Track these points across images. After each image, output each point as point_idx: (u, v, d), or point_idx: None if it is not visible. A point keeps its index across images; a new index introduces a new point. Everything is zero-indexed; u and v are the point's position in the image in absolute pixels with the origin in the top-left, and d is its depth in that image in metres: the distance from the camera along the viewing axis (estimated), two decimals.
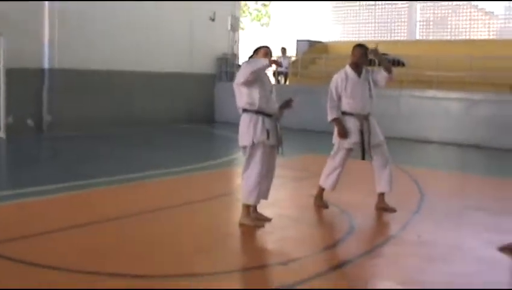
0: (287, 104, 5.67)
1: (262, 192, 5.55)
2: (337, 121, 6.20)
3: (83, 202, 6.57)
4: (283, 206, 6.53)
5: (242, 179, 5.55)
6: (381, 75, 6.29)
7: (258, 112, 5.42)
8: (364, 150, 6.18)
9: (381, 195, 6.36)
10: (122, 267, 4.29)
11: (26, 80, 12.84)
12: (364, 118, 6.20)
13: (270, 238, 5.25)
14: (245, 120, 5.47)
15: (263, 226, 5.47)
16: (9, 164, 9.67)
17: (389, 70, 6.28)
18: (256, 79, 5.34)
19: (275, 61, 5.45)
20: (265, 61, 5.33)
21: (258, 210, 5.68)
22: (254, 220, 5.54)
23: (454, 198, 7.36)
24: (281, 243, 5.12)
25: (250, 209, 5.58)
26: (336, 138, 6.29)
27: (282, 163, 8.72)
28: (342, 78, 6.23)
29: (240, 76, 5.33)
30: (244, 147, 5.50)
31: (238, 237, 5.35)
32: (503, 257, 4.85)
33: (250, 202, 5.51)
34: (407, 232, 5.59)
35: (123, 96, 14.90)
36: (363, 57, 6.24)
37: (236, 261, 4.68)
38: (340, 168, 6.32)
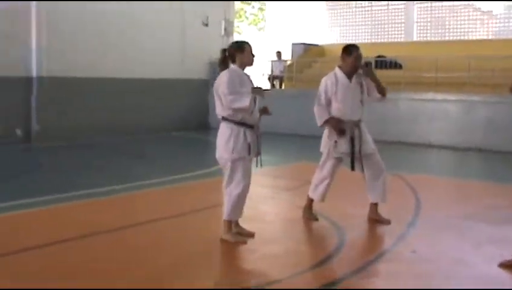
0: (263, 112, 5.18)
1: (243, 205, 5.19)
2: (330, 120, 5.74)
3: (66, 215, 6.16)
4: (269, 220, 6.12)
5: (225, 194, 5.15)
6: (374, 93, 5.82)
7: (239, 123, 5.05)
8: (353, 160, 5.77)
9: (374, 205, 5.94)
10: (94, 285, 3.98)
11: (13, 89, 12.54)
12: (355, 125, 5.80)
13: (252, 256, 4.83)
14: (225, 131, 5.08)
15: (245, 242, 5.07)
16: None
17: (383, 93, 5.81)
18: None
19: (259, 92, 5.04)
20: (247, 100, 4.87)
21: (241, 224, 5.31)
22: (235, 235, 5.14)
23: (453, 207, 6.93)
24: (264, 261, 4.70)
25: (232, 224, 5.20)
26: (324, 147, 5.85)
27: (273, 172, 8.38)
28: (332, 81, 5.80)
29: (225, 89, 4.90)
30: (221, 159, 5.13)
31: (219, 255, 4.94)
32: (506, 275, 4.45)
33: (233, 218, 5.14)
34: (403, 247, 5.15)
35: (114, 104, 14.48)
36: (360, 60, 5.81)
37: (215, 282, 4.28)
38: (329, 179, 5.87)
